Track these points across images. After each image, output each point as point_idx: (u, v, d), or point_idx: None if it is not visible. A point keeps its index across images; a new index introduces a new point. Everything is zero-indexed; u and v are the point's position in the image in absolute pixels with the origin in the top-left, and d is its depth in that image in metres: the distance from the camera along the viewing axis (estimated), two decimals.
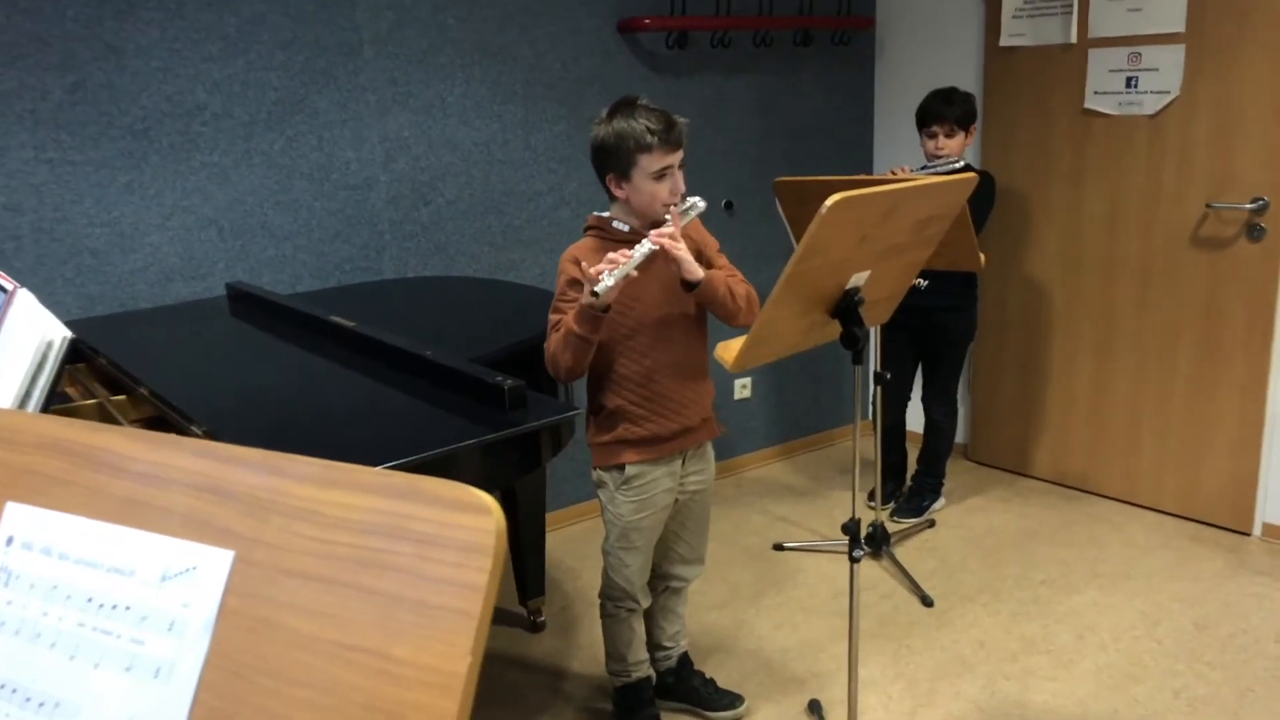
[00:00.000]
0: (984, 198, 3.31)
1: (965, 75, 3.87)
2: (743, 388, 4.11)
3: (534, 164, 3.40)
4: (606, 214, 2.26)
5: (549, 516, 3.19)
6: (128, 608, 0.67)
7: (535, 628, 3.03)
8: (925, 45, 4.03)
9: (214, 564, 0.66)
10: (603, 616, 2.48)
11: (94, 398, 2.17)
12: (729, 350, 1.86)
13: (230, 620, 0.64)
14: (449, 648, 0.56)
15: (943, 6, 3.95)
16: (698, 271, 2.13)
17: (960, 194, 2.05)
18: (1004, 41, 3.72)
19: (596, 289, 1.97)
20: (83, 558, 0.71)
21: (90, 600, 0.69)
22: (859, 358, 2.02)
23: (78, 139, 2.65)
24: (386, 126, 3.11)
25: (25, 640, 0.71)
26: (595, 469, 2.34)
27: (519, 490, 2.89)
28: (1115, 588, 3.12)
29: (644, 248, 2.04)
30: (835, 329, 2.00)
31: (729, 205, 3.88)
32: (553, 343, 2.16)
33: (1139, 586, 3.12)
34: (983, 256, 3.07)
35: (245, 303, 2.68)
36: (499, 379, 1.70)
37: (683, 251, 2.09)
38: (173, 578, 0.67)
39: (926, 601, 3.08)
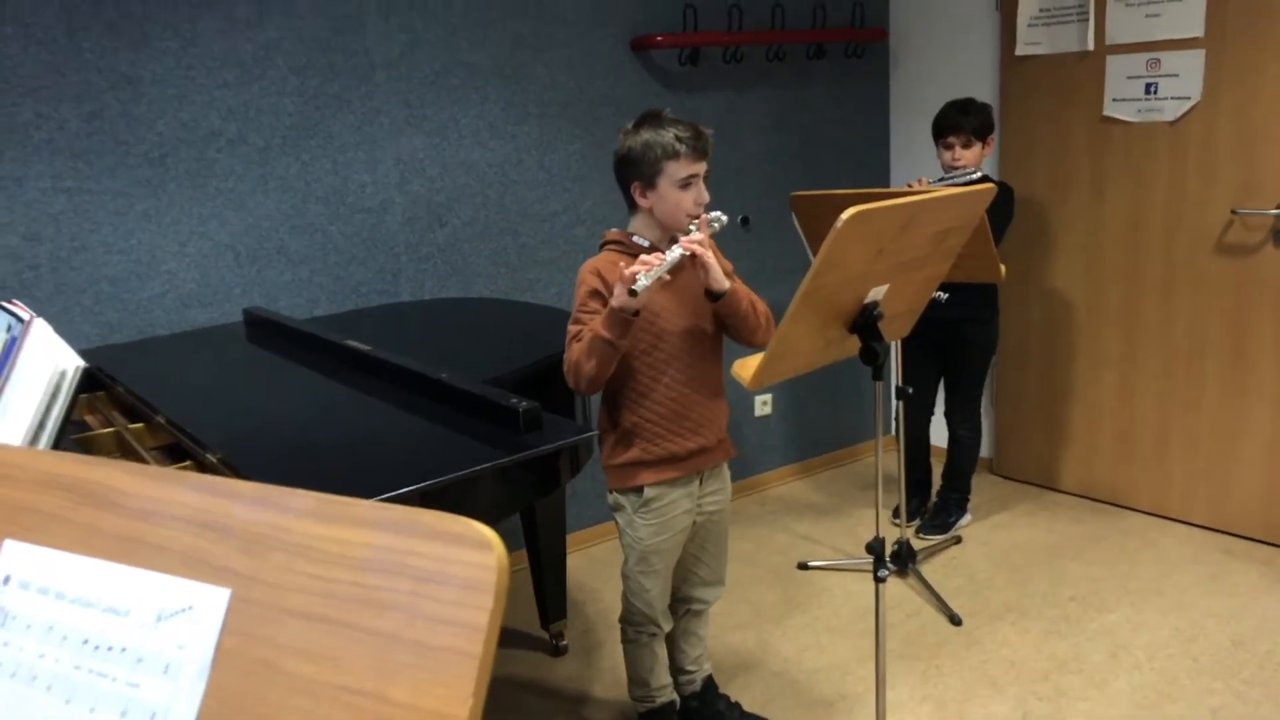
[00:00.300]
0: (1002, 209, 3.28)
1: (981, 85, 3.84)
2: (763, 404, 4.08)
3: (549, 184, 3.40)
4: (625, 230, 2.25)
5: (570, 537, 3.16)
6: (124, 649, 0.65)
7: (557, 651, 3.00)
8: (940, 56, 4.01)
9: (211, 603, 0.64)
10: (624, 642, 2.44)
11: (112, 426, 2.17)
12: (746, 368, 1.83)
13: (227, 662, 0.62)
14: (449, 690, 0.53)
15: (957, 16, 3.92)
16: (725, 281, 2.11)
17: (978, 205, 2.02)
18: (1020, 50, 3.68)
19: (635, 287, 1.94)
20: (79, 597, 0.69)
21: (86, 642, 0.67)
22: (879, 373, 1.98)
23: (95, 168, 2.67)
24: (400, 149, 3.11)
25: (22, 683, 0.69)
26: (611, 492, 2.31)
27: (538, 511, 2.86)
28: (1147, 604, 3.06)
29: (675, 252, 2.02)
30: (854, 344, 1.96)
31: (745, 221, 3.86)
32: (575, 351, 2.13)
33: (1172, 602, 3.06)
34: (1003, 268, 3.03)
35: (262, 328, 2.67)
36: (514, 401, 1.68)
37: (711, 259, 2.08)
38: (169, 617, 0.65)
39: (954, 620, 3.02)
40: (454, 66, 3.17)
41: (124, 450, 2.07)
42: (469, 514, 1.70)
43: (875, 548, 2.08)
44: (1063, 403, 3.84)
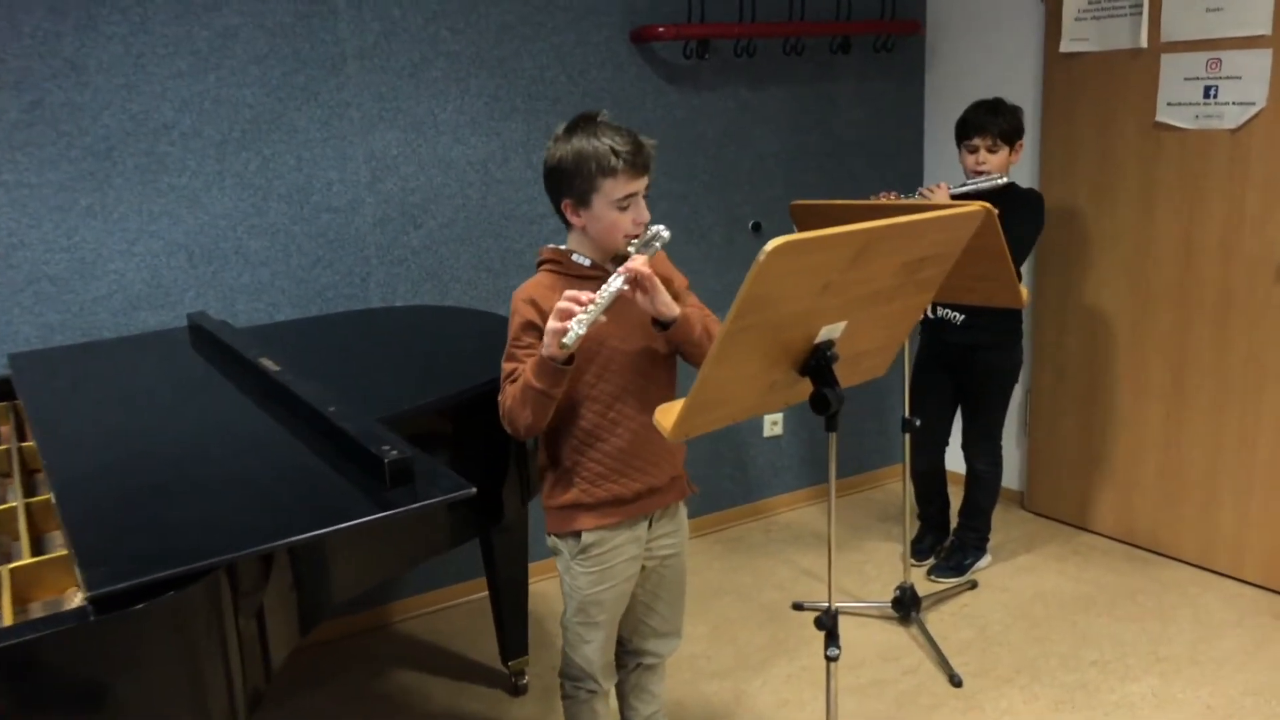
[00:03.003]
0: (1030, 221, 2.95)
1: (1023, 84, 3.49)
2: (773, 424, 3.80)
3: (536, 184, 3.15)
4: (564, 246, 2.00)
5: (535, 566, 2.94)
6: None
7: (517, 690, 2.78)
8: (980, 51, 3.66)
9: None
10: (562, 698, 2.21)
11: (2, 444, 2.02)
12: (668, 415, 1.57)
13: None
14: None
15: (999, 8, 3.57)
16: (673, 308, 1.85)
17: (960, 230, 1.73)
18: (1065, 47, 3.32)
19: (566, 341, 1.72)
20: None
21: None
22: (832, 423, 1.71)
23: (35, 160, 2.52)
24: (373, 145, 2.91)
25: None
26: (549, 534, 2.08)
27: (496, 543, 2.64)
28: (1179, 675, 2.71)
29: (612, 286, 1.77)
30: (806, 388, 1.69)
31: (757, 227, 3.58)
32: (508, 397, 1.91)
33: (1207, 674, 2.70)
34: (1025, 291, 2.70)
35: (201, 336, 2.50)
36: (384, 450, 1.45)
37: (657, 285, 1.83)
38: None
39: (955, 680, 2.72)
40: (433, 57, 2.95)
41: (22, 468, 1.91)
42: (330, 575, 1.46)
43: (826, 625, 1.79)
44: (1102, 436, 3.48)
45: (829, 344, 1.67)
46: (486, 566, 2.73)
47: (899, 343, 1.89)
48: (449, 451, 2.09)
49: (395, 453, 1.44)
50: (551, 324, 1.74)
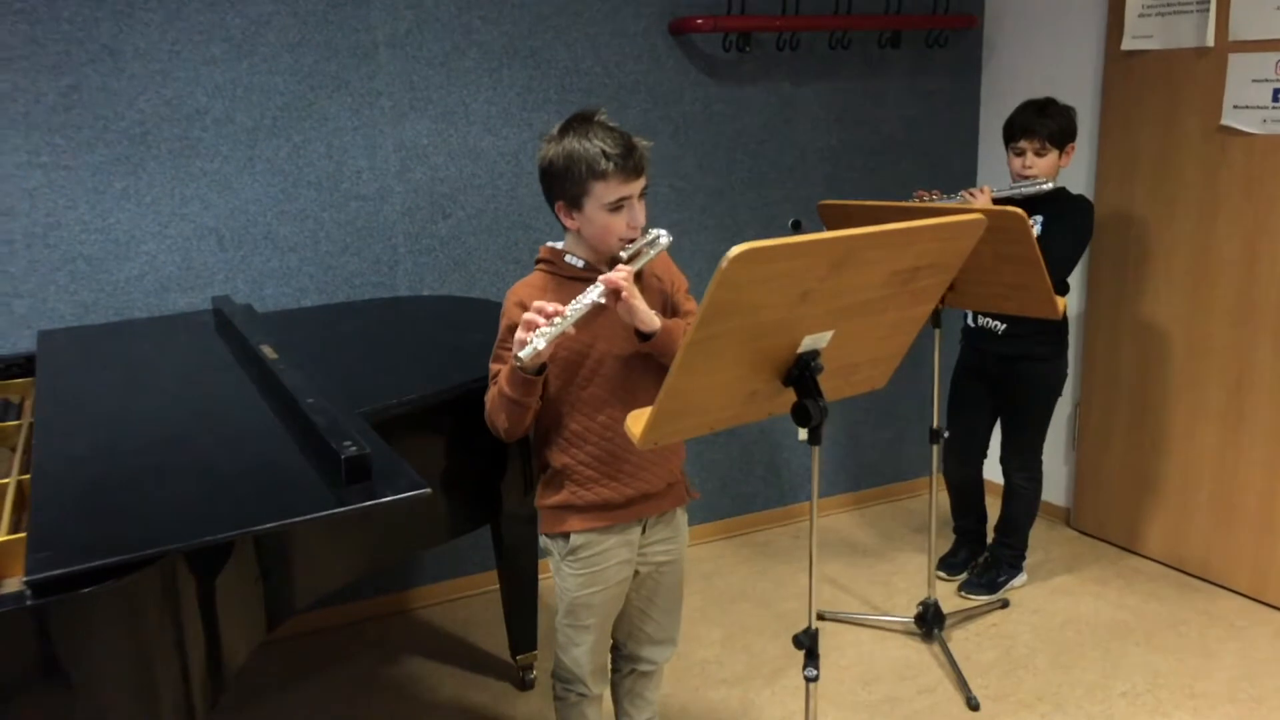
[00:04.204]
0: (1076, 230, 2.81)
1: (1082, 83, 3.34)
2: None
3: None
4: (560, 245, 1.97)
5: (546, 563, 2.92)
6: None
7: (524, 685, 2.77)
8: (1038, 47, 3.50)
9: None
10: (554, 699, 2.19)
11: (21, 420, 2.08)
12: (638, 421, 1.53)
13: None
14: None
15: (1060, 2, 3.41)
16: (653, 321, 1.81)
17: (960, 239, 1.64)
18: (1127, 44, 3.16)
19: (522, 354, 1.70)
20: None
21: None
22: (815, 437, 1.64)
23: (72, 143, 2.58)
24: (403, 134, 2.91)
25: None
26: (541, 534, 2.05)
27: (506, 536, 2.64)
28: (1213, 712, 2.56)
29: (585, 299, 1.75)
30: (790, 399, 1.63)
31: (797, 225, 3.48)
32: (489, 399, 1.90)
33: (1243, 714, 2.55)
34: (1062, 303, 2.58)
35: (222, 320, 2.54)
36: (344, 445, 1.44)
37: (635, 300, 1.78)
38: None
39: (972, 703, 2.62)
40: (466, 46, 2.94)
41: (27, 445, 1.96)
42: (295, 570, 1.46)
43: (804, 643, 1.73)
44: (1154, 454, 3.31)
45: (814, 354, 1.60)
46: (497, 559, 2.72)
47: (898, 354, 1.81)
48: (447, 443, 2.08)
49: (354, 448, 1.43)
50: (518, 334, 1.72)
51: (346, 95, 2.84)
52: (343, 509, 1.31)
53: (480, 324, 2.68)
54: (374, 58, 2.85)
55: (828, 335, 1.60)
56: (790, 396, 1.63)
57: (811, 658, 1.74)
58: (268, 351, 2.00)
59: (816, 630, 1.76)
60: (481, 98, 2.99)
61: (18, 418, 2.08)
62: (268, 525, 1.30)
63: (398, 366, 2.26)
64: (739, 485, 3.61)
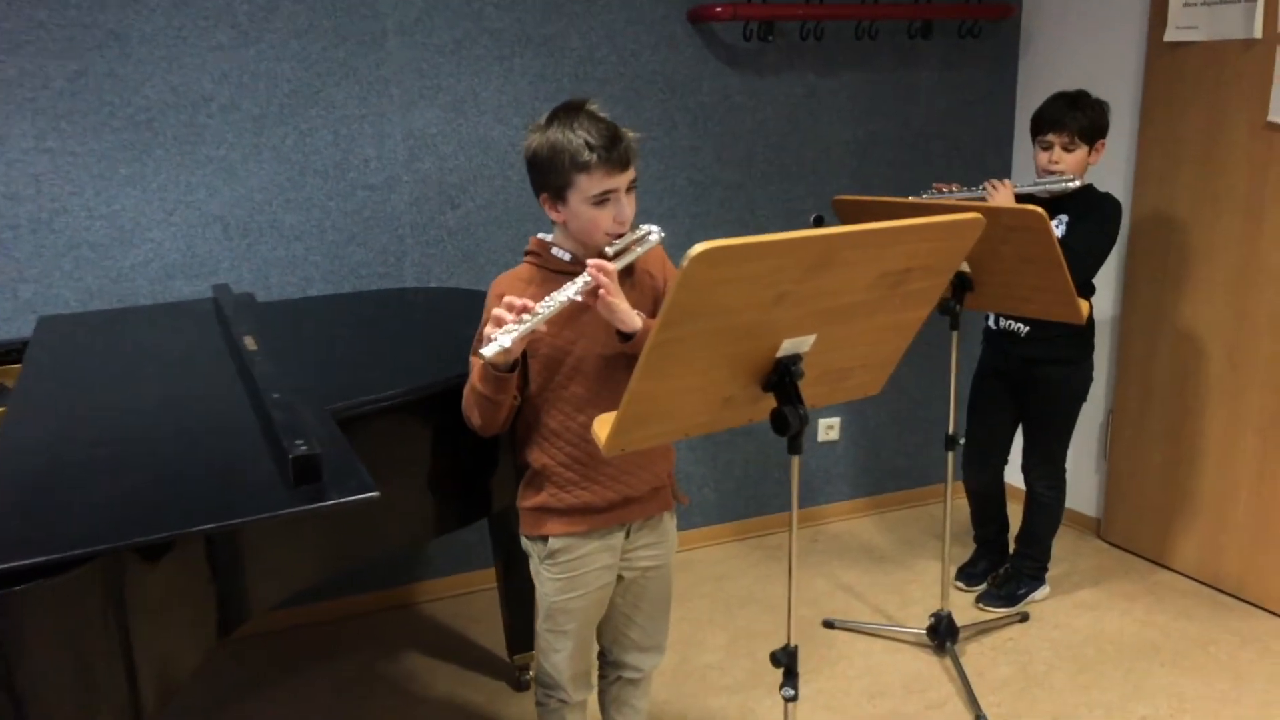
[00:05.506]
0: (1101, 230, 2.68)
1: (1124, 76, 3.19)
2: (829, 429, 3.61)
3: None
4: (549, 237, 1.91)
5: None
6: None
7: (520, 685, 2.73)
8: (1078, 38, 3.35)
9: None
10: (536, 704, 2.13)
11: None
12: (604, 425, 1.46)
13: None
14: None
15: None
16: (634, 320, 1.74)
17: (954, 239, 1.54)
18: (1170, 35, 3.00)
19: (485, 352, 1.64)
20: None
21: None
22: (794, 446, 1.56)
23: (78, 129, 2.58)
24: (411, 122, 2.87)
25: None
26: (521, 535, 1.99)
27: (502, 534, 2.59)
28: None
29: (562, 295, 1.68)
30: (769, 404, 1.55)
31: (819, 220, 3.37)
32: (465, 394, 1.84)
33: None
34: (1085, 306, 2.45)
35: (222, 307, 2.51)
36: (296, 444, 1.39)
37: (615, 298, 1.71)
38: None
39: None
40: (477, 34, 2.88)
41: None
42: (246, 573, 1.41)
43: (781, 658, 1.65)
44: (1189, 466, 3.15)
45: (795, 358, 1.52)
46: (494, 557, 2.67)
47: (893, 359, 1.71)
48: (432, 439, 2.03)
49: (304, 448, 1.38)
50: (485, 330, 1.66)
51: (354, 83, 2.80)
52: (274, 513, 1.26)
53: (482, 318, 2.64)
54: (383, 45, 2.80)
55: (810, 339, 1.51)
56: (769, 403, 1.55)
57: (790, 677, 1.66)
58: (249, 343, 1.97)
59: (795, 648, 1.67)
60: (492, 86, 2.93)
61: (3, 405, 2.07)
62: (205, 527, 1.26)
63: (387, 360, 2.22)
64: (755, 486, 3.52)
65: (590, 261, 1.71)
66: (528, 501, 1.94)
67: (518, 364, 1.73)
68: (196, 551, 1.41)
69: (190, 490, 1.42)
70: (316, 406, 1.68)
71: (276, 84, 2.72)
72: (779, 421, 1.52)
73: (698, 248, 1.23)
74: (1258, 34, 2.76)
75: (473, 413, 1.81)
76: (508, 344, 1.60)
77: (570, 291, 1.67)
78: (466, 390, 1.82)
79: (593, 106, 1.81)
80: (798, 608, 3.06)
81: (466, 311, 2.64)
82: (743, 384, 1.51)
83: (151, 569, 1.34)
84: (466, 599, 3.18)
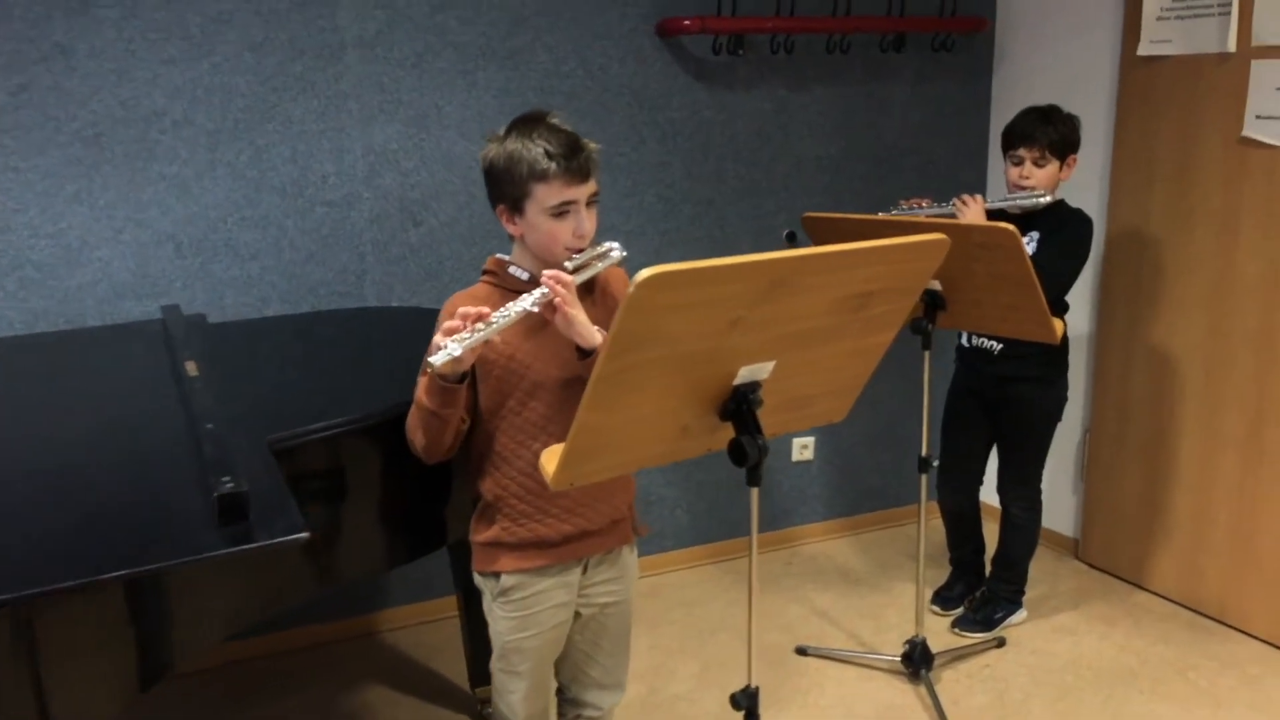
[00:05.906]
0: (1072, 247, 2.64)
1: (1098, 90, 3.15)
2: (803, 448, 3.54)
3: None
4: (507, 257, 1.84)
5: None
6: None
7: (482, 719, 2.63)
8: (1051, 52, 3.32)
9: None
10: None
11: None
12: (551, 459, 1.38)
13: None
14: None
15: (1075, 5, 3.22)
16: (593, 336, 1.66)
17: (917, 261, 1.48)
18: (1144, 49, 2.96)
19: (433, 360, 1.56)
20: None
21: None
22: (753, 478, 1.49)
23: (22, 145, 2.49)
24: (372, 138, 2.80)
25: None
26: (474, 571, 1.91)
27: (466, 564, 2.49)
28: None
29: (517, 306, 1.61)
30: (728, 434, 1.48)
31: (791, 237, 3.33)
32: (410, 414, 1.76)
33: None
34: (1060, 325, 2.40)
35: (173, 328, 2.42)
36: (222, 481, 1.31)
37: (574, 310, 1.64)
38: None
39: None
40: (440, 47, 2.82)
41: None
42: (168, 621, 1.32)
43: (742, 704, 1.58)
44: (1167, 486, 3.10)
45: (753, 386, 1.45)
46: (455, 587, 2.59)
47: (857, 385, 1.65)
48: (381, 469, 1.95)
49: (230, 485, 1.30)
50: (435, 339, 1.59)
51: (312, 97, 2.72)
52: (193, 558, 1.17)
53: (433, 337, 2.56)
54: (341, 58, 2.73)
55: (769, 366, 1.45)
56: (727, 432, 1.48)
57: (751, 715, 1.58)
58: (190, 369, 1.88)
59: (756, 689, 1.60)
60: (456, 101, 2.86)
61: None
62: (114, 574, 1.17)
63: (340, 383, 2.14)
64: (727, 509, 3.45)
65: (547, 272, 1.64)
66: (480, 536, 1.86)
67: (466, 376, 1.66)
68: (115, 597, 1.33)
69: (112, 531, 1.33)
70: (255, 436, 1.59)
71: (231, 98, 2.65)
72: (736, 452, 1.45)
73: (644, 273, 1.17)
74: (1232, 47, 2.73)
75: (417, 433, 1.73)
76: (458, 352, 1.53)
77: (527, 303, 1.60)
78: (412, 409, 1.74)
79: (555, 120, 1.75)
80: (770, 633, 3.01)
81: (429, 331, 2.57)
82: (699, 413, 1.44)
83: (64, 616, 1.25)
84: (429, 627, 3.08)
